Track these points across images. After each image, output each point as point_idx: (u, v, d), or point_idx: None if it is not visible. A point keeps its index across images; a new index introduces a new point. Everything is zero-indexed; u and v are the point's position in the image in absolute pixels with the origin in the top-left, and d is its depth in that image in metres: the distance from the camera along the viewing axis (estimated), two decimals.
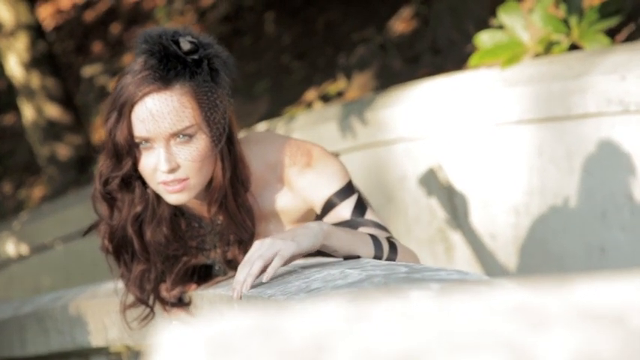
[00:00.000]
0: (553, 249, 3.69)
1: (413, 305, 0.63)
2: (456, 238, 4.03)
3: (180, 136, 2.08)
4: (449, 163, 3.99)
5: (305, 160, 2.25)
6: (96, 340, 2.91)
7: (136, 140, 2.10)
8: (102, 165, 2.18)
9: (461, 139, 3.92)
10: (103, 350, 2.96)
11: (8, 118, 8.37)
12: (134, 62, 2.12)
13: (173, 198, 2.13)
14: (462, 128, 3.91)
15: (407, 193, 4.16)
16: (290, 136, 2.34)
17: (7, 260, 5.77)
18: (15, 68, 6.79)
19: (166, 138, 2.08)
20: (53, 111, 6.81)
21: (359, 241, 2.06)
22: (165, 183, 2.10)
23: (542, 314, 0.61)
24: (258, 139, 2.31)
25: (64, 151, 6.83)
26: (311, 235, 1.96)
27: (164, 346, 0.61)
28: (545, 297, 0.64)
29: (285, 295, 1.70)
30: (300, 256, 1.96)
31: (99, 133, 7.40)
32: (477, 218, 3.94)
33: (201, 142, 2.10)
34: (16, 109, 8.10)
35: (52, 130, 6.83)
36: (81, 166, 6.85)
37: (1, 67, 7.45)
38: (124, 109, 2.08)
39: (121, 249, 2.25)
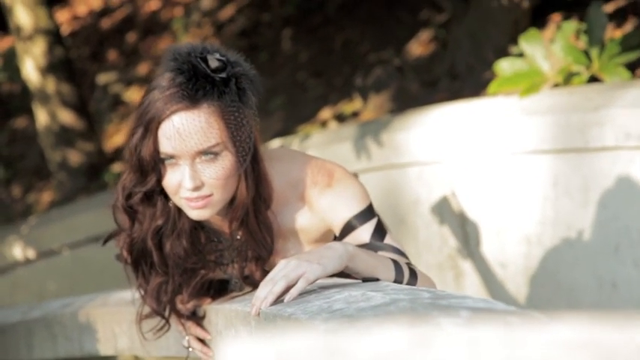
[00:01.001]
0: (564, 281, 3.67)
1: (477, 332, 0.62)
2: (466, 265, 4.02)
3: (206, 154, 2.08)
4: (462, 189, 3.98)
5: (326, 181, 2.24)
6: (104, 349, 2.90)
7: (162, 156, 2.09)
8: (125, 178, 2.18)
9: (476, 165, 3.92)
10: (110, 359, 2.95)
11: (20, 122, 8.38)
12: (161, 77, 2.11)
13: (195, 213, 2.13)
14: (478, 155, 3.91)
15: (419, 218, 4.15)
16: (312, 155, 2.33)
17: (13, 264, 5.76)
18: (31, 72, 6.80)
19: (192, 156, 2.08)
20: (67, 117, 6.81)
21: (381, 265, 2.05)
22: (188, 199, 2.10)
23: (607, 350, 0.60)
24: (280, 157, 2.30)
25: (75, 157, 6.83)
26: (336, 257, 1.95)
27: None
28: (609, 333, 0.63)
29: (306, 315, 1.69)
30: (324, 277, 1.96)
31: (111, 141, 7.40)
32: (488, 246, 3.92)
33: (226, 161, 2.10)
34: (28, 113, 8.11)
35: (64, 136, 6.83)
36: (91, 174, 6.85)
37: (17, 71, 7.46)
38: (150, 126, 2.07)
39: (140, 260, 2.25)
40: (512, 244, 3.84)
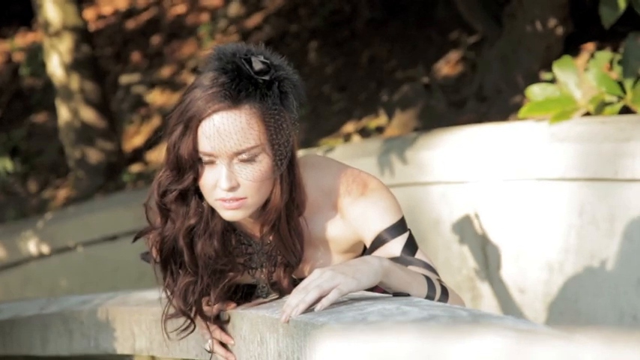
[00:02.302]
0: (584, 310, 3.64)
1: (579, 350, 0.60)
2: (485, 288, 3.99)
3: (244, 155, 2.07)
4: (486, 211, 3.95)
5: (360, 190, 2.22)
6: (121, 348, 2.87)
7: (200, 155, 2.08)
8: (161, 176, 2.17)
9: (500, 189, 3.89)
10: (126, 358, 2.92)
11: (40, 117, 8.39)
12: (204, 76, 2.11)
13: (229, 214, 2.12)
14: (503, 178, 3.88)
15: (439, 237, 4.13)
16: (348, 165, 2.31)
17: (26, 258, 5.75)
18: (56, 68, 6.80)
19: (230, 156, 2.07)
20: (89, 115, 6.82)
21: (414, 281, 2.04)
22: (222, 200, 2.09)
23: None
24: (314, 164, 2.29)
25: (94, 155, 6.83)
26: (371, 272, 1.94)
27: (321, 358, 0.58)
28: None
29: (341, 325, 1.67)
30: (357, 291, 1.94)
31: (130, 142, 7.40)
32: (508, 271, 3.90)
33: (263, 164, 2.09)
34: (48, 109, 8.11)
35: (85, 134, 6.83)
36: (109, 173, 6.84)
37: (41, 66, 7.47)
38: (190, 124, 2.07)
39: (169, 259, 2.24)
40: (533, 270, 3.81)
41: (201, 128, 2.06)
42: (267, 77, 2.08)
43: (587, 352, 0.60)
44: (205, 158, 2.09)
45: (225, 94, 2.05)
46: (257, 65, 2.08)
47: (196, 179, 2.12)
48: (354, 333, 1.51)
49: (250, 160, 2.08)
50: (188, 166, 2.10)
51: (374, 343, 0.59)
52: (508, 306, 3.89)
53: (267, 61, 2.10)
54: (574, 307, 3.68)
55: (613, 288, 3.56)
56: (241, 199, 2.10)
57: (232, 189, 2.08)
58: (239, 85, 2.06)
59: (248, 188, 2.09)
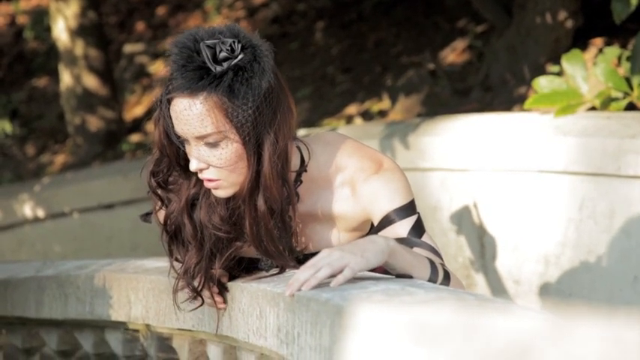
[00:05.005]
0: (578, 304, 3.65)
1: (618, 329, 0.60)
2: (479, 277, 3.99)
3: (209, 139, 2.08)
4: (485, 201, 3.94)
5: (374, 168, 2.23)
6: (116, 315, 2.87)
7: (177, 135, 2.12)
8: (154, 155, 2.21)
9: (501, 179, 3.88)
10: (120, 325, 2.92)
11: (41, 81, 8.36)
12: (173, 59, 2.09)
13: (213, 192, 2.15)
14: (504, 169, 3.87)
15: (436, 224, 4.12)
16: (364, 144, 2.31)
17: (21, 221, 5.74)
18: (62, 33, 6.77)
19: (194, 139, 2.08)
20: (91, 81, 6.79)
21: (418, 263, 2.03)
22: (202, 178, 2.12)
23: None
24: (331, 141, 2.28)
25: (94, 122, 6.81)
26: (378, 251, 1.93)
27: (362, 326, 0.58)
28: None
29: (346, 302, 1.67)
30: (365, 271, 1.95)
31: (131, 112, 7.38)
32: (504, 261, 3.90)
33: (229, 149, 2.08)
34: (50, 74, 8.08)
35: (86, 100, 6.81)
36: (108, 141, 6.83)
37: (46, 30, 7.44)
38: (162, 105, 2.12)
39: (177, 235, 2.24)
40: (529, 262, 3.81)
41: (171, 110, 2.09)
42: (225, 65, 2.04)
43: (631, 331, 0.59)
44: (181, 137, 2.11)
45: (183, 80, 2.04)
46: (215, 53, 2.04)
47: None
48: (358, 309, 1.51)
49: (215, 144, 2.08)
50: (167, 143, 2.13)
51: (414, 315, 0.58)
52: (502, 296, 3.89)
53: (229, 48, 2.04)
54: (568, 300, 3.68)
55: (608, 284, 3.56)
56: (215, 180, 2.10)
57: (202, 171, 2.10)
58: (196, 72, 2.04)
59: (219, 171, 2.10)
